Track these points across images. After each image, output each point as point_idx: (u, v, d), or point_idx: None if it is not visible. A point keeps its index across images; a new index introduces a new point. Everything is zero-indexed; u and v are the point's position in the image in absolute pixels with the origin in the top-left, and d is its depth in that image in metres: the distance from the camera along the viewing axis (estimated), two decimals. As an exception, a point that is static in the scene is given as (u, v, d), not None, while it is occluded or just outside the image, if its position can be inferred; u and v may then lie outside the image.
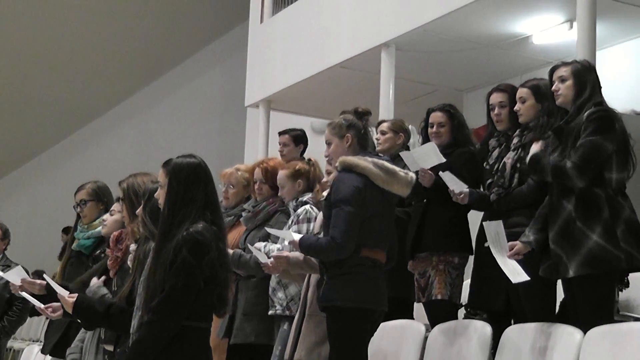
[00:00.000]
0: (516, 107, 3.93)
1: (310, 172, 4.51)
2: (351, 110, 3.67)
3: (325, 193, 3.95)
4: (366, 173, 3.43)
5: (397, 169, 3.50)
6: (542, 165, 3.52)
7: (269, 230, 4.10)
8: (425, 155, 4.01)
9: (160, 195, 3.12)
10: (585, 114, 3.48)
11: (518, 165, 3.87)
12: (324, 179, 4.16)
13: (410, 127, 4.88)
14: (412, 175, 3.55)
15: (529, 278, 3.50)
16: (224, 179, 4.92)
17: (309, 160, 4.65)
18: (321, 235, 3.64)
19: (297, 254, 3.97)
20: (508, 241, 3.57)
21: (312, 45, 8.15)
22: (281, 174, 4.51)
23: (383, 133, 4.76)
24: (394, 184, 3.46)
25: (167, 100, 13.73)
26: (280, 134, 6.02)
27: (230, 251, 4.39)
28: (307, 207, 4.35)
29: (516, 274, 3.51)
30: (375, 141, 4.72)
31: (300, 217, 4.31)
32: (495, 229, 3.58)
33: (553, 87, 3.64)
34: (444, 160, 4.03)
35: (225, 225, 4.75)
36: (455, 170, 4.08)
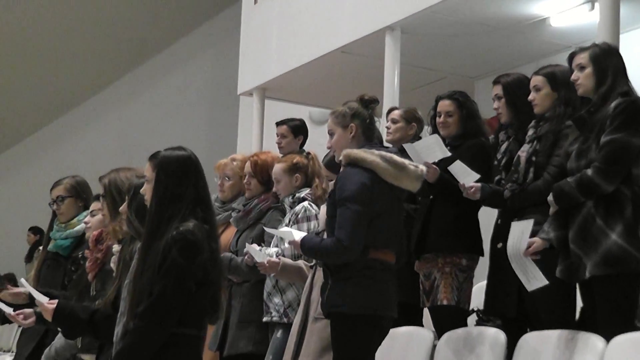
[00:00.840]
0: (530, 97, 3.93)
1: (309, 167, 4.51)
2: (356, 98, 3.66)
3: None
4: (373, 168, 3.42)
5: (406, 162, 3.49)
6: (567, 192, 3.48)
7: (267, 230, 4.09)
8: (429, 149, 4.01)
9: (146, 191, 3.11)
10: (612, 105, 3.46)
11: (533, 158, 3.86)
12: (324, 185, 4.16)
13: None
14: (423, 168, 3.55)
15: (547, 282, 3.50)
16: (219, 170, 4.93)
17: (308, 153, 4.65)
18: (325, 235, 3.64)
19: (290, 262, 3.94)
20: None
21: (311, 28, 8.13)
22: (277, 167, 4.50)
23: (394, 122, 4.75)
24: (403, 179, 3.46)
25: (153, 88, 13.70)
26: (277, 124, 6.01)
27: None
28: (306, 204, 4.35)
29: (533, 278, 3.50)
30: (385, 130, 4.73)
31: (299, 216, 4.30)
32: (522, 229, 3.57)
33: (572, 77, 3.63)
34: (449, 154, 4.03)
35: (221, 221, 4.78)
36: (464, 163, 4.08)
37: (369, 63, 7.69)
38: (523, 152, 3.91)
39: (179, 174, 3.03)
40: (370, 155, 3.44)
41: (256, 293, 4.43)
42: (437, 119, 4.35)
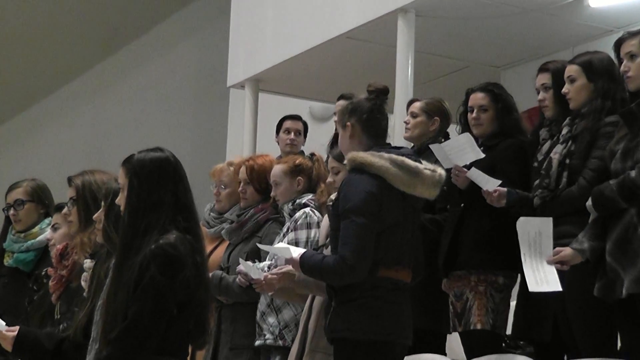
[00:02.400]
0: (564, 89, 3.94)
1: (313, 169, 4.51)
2: (367, 88, 3.63)
3: (333, 196, 3.94)
4: (382, 174, 3.42)
5: (420, 166, 3.48)
6: (607, 196, 3.49)
7: (261, 247, 4.08)
8: (459, 149, 4.03)
9: (121, 201, 3.12)
10: None
11: (567, 161, 3.87)
12: (329, 179, 4.16)
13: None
14: (441, 172, 3.55)
15: (560, 289, 3.50)
16: (214, 177, 4.95)
17: (312, 154, 4.66)
18: (328, 251, 3.63)
19: None
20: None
21: (312, 10, 8.13)
22: (277, 169, 4.52)
23: (413, 115, 4.76)
24: (417, 186, 3.46)
25: (129, 79, 13.70)
26: (291, 118, 6.08)
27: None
28: (307, 210, 4.35)
29: (543, 281, 3.51)
30: (404, 125, 4.73)
31: (298, 223, 4.30)
32: (538, 227, 3.58)
33: (622, 68, 3.63)
34: (482, 155, 4.04)
35: (215, 234, 4.78)
36: (500, 167, 4.09)
37: (379, 50, 7.69)
38: (555, 153, 3.91)
39: (155, 178, 3.04)
40: (378, 159, 3.44)
41: (249, 315, 4.44)
42: (469, 114, 4.34)
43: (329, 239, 3.86)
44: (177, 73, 13.39)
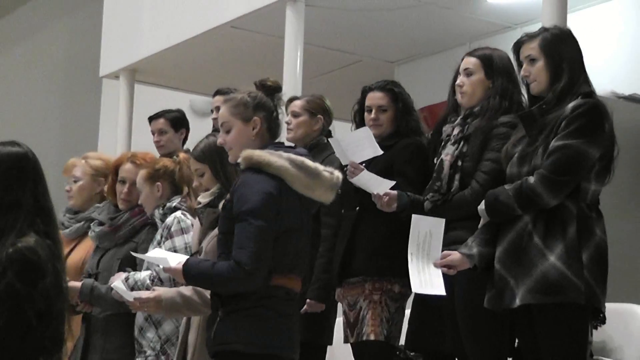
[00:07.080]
0: (459, 81, 4.00)
1: (175, 173, 4.49)
2: (256, 83, 3.59)
3: (202, 199, 3.92)
4: (281, 174, 3.41)
5: (320, 167, 3.49)
6: (502, 202, 3.57)
7: (135, 255, 4.01)
8: (357, 145, 4.06)
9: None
10: (570, 106, 3.55)
11: (459, 163, 3.93)
12: (195, 182, 4.11)
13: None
14: (339, 174, 3.55)
15: (444, 294, 3.59)
16: (67, 173, 4.89)
17: (176, 155, 4.64)
18: (202, 257, 3.61)
19: (172, 292, 3.82)
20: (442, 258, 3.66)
21: (193, -5, 8.10)
22: (139, 174, 4.50)
23: (295, 115, 4.77)
24: (316, 188, 3.46)
25: (-11, 66, 13.40)
26: (152, 119, 6.01)
27: (76, 283, 4.30)
28: (179, 214, 4.34)
29: (428, 284, 3.60)
30: (285, 125, 4.73)
31: (172, 229, 4.28)
32: (429, 228, 3.66)
33: (522, 72, 3.72)
34: (381, 152, 4.08)
35: (72, 235, 4.71)
36: (398, 168, 4.15)
37: (266, 42, 7.71)
38: (447, 155, 3.97)
39: (11, 176, 2.99)
40: (277, 158, 3.42)
41: (122, 326, 4.40)
42: (366, 114, 4.37)
43: (204, 245, 3.85)
44: (44, 60, 13.14)
